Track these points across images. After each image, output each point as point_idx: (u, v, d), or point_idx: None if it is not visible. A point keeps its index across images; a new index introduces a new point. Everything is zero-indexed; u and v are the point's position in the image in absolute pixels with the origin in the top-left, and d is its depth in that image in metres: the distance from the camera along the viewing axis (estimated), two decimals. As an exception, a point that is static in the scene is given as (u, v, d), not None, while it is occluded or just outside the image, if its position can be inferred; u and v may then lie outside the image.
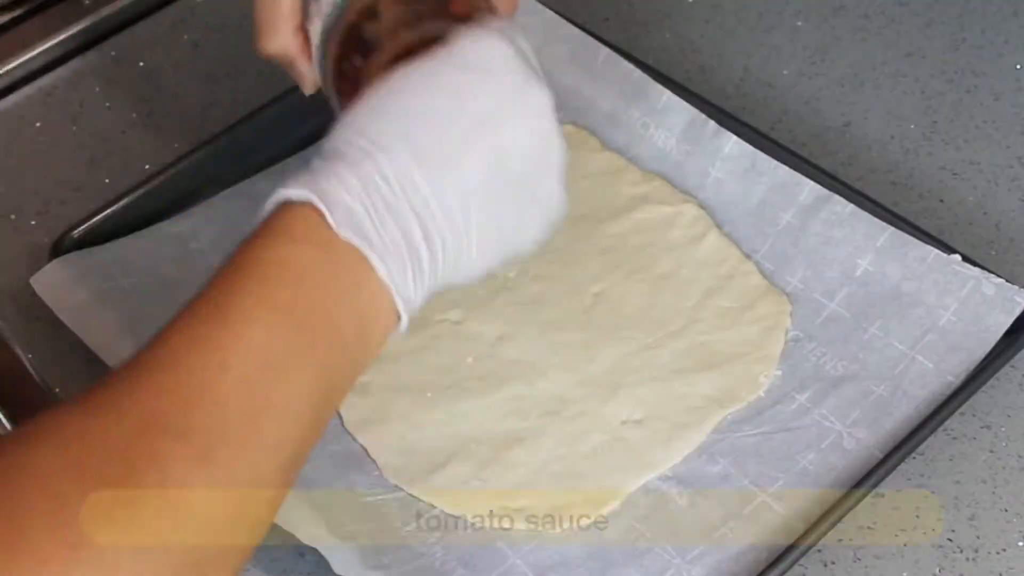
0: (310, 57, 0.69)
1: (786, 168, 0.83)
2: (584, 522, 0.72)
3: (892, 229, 0.80)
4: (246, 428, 0.51)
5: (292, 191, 0.55)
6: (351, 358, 0.55)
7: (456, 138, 0.56)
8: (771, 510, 0.71)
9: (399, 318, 0.56)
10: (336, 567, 0.67)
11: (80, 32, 0.97)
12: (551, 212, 0.60)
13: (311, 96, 0.91)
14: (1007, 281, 0.77)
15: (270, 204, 0.55)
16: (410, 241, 0.55)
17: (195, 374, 0.51)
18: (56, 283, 0.79)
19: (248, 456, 0.51)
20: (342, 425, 0.76)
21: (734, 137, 0.85)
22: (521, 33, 0.59)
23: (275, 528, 0.69)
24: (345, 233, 0.54)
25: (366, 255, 0.54)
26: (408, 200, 0.55)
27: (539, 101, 0.58)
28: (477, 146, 0.56)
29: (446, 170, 0.55)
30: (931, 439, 0.74)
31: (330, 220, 0.54)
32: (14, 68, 0.96)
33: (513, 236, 0.59)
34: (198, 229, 0.84)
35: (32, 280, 0.80)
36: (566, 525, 0.72)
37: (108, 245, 0.82)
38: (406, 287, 0.55)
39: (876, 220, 0.80)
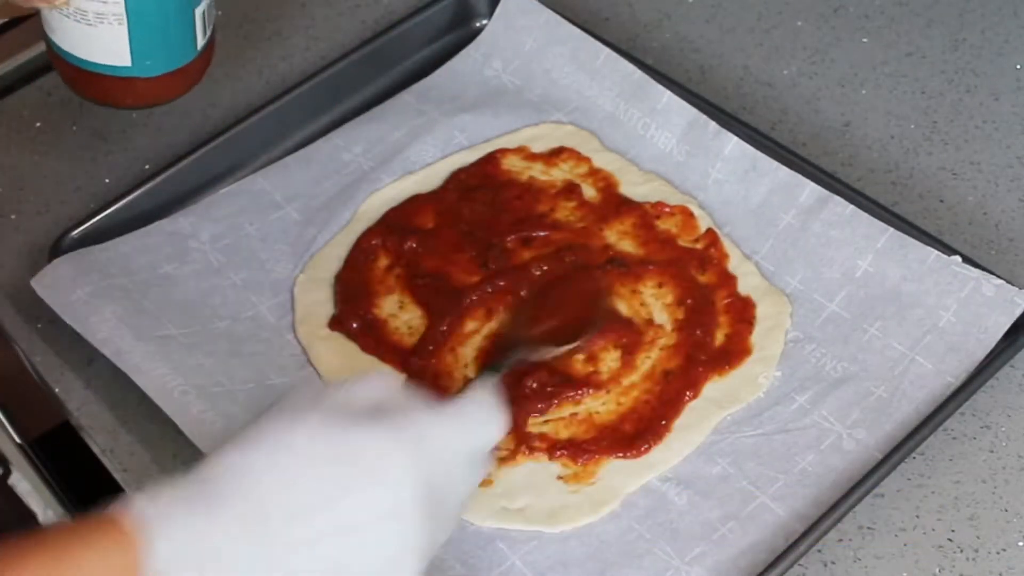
0: None
1: (786, 169, 0.83)
2: (584, 522, 0.72)
3: (892, 230, 0.80)
4: None
5: (138, 507, 0.54)
6: None
7: (311, 533, 0.55)
8: (770, 511, 0.71)
9: None
10: None
11: (80, 32, 0.97)
12: None
13: (310, 97, 0.91)
14: (1007, 282, 0.77)
15: (119, 504, 0.54)
16: None
17: None
18: (56, 282, 0.80)
19: None
20: (342, 425, 0.76)
21: (735, 138, 0.85)
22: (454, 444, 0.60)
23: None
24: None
25: None
26: (229, 563, 0.54)
27: (413, 522, 0.57)
28: (327, 546, 0.55)
29: (291, 554, 0.55)
30: (931, 439, 0.74)
31: (146, 557, 0.53)
32: (14, 68, 0.96)
33: None
34: (197, 227, 0.84)
35: (32, 280, 0.80)
36: (566, 525, 0.72)
37: (107, 244, 0.82)
38: None
39: (876, 221, 0.80)
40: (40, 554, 0.52)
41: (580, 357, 0.77)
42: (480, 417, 0.62)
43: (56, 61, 0.79)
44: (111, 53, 0.76)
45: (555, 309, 0.78)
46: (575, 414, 0.76)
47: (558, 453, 0.74)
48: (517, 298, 0.80)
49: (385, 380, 0.61)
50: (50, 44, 0.78)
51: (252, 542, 0.54)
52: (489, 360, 0.75)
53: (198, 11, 0.77)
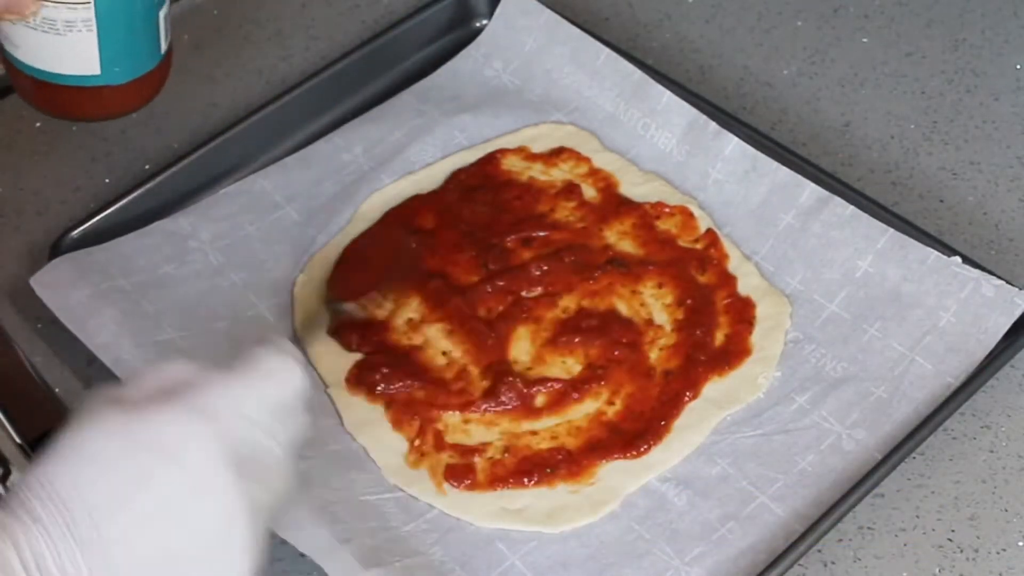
0: None
1: (786, 170, 0.83)
2: (583, 523, 0.72)
3: (892, 231, 0.80)
4: None
5: None
6: None
7: (128, 522, 0.56)
8: (770, 511, 0.71)
9: None
10: (331, 574, 0.67)
11: (80, 32, 0.97)
12: None
13: (310, 97, 0.91)
14: (1007, 282, 0.77)
15: None
16: None
17: None
18: (55, 283, 0.80)
19: None
20: (342, 425, 0.76)
21: (735, 139, 0.85)
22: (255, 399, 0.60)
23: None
24: None
25: None
26: (63, 572, 0.54)
27: (225, 488, 0.57)
28: (147, 532, 0.56)
29: (110, 549, 0.55)
30: (931, 439, 0.74)
31: None
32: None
33: None
34: (197, 227, 0.84)
35: (32, 280, 0.80)
36: (565, 526, 0.72)
37: (107, 244, 0.82)
38: None
39: (876, 222, 0.80)
40: None
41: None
42: (269, 370, 0.61)
43: (16, 77, 0.78)
44: (80, 62, 0.75)
45: (359, 266, 0.79)
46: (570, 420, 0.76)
47: (555, 470, 0.74)
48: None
49: (175, 365, 0.61)
50: (11, 61, 0.77)
51: (72, 545, 0.55)
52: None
53: (161, 14, 0.77)
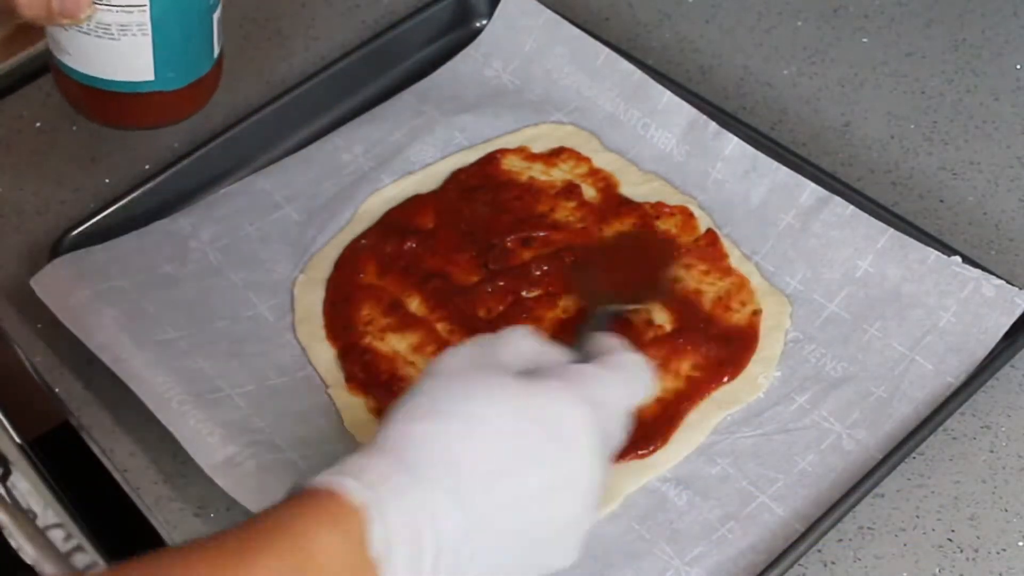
0: None
1: (786, 170, 0.83)
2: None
3: (892, 231, 0.80)
4: None
5: (349, 486, 0.55)
6: None
7: (510, 497, 0.57)
8: (770, 511, 0.71)
9: None
10: None
11: (80, 32, 0.97)
12: (561, 565, 0.61)
13: (310, 97, 0.91)
14: (1007, 282, 0.77)
15: (325, 482, 0.56)
16: (426, 571, 0.55)
17: None
18: (55, 283, 0.80)
19: None
20: (342, 425, 0.76)
21: (735, 138, 0.85)
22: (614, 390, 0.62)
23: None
24: (377, 550, 0.54)
25: (385, 574, 0.54)
26: (442, 537, 0.55)
27: (595, 479, 0.60)
28: (524, 510, 0.58)
29: (483, 522, 0.56)
30: (931, 439, 0.74)
31: (370, 532, 0.54)
32: (14, 68, 0.96)
33: (510, 573, 0.60)
34: (197, 227, 0.84)
35: (32, 280, 0.80)
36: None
37: (107, 244, 0.82)
38: None
39: (876, 222, 0.80)
40: (273, 540, 0.53)
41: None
42: (634, 376, 0.64)
43: (64, 83, 0.77)
44: (134, 67, 0.74)
45: (617, 268, 0.80)
46: None
47: None
48: (572, 270, 0.81)
49: (523, 334, 0.63)
50: (60, 67, 0.76)
51: (457, 512, 0.56)
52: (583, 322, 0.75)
53: (215, 16, 0.76)
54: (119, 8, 0.71)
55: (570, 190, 0.86)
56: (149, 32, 0.73)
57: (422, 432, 0.57)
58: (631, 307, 0.78)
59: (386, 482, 0.55)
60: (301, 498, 0.55)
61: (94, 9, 0.71)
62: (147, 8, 0.72)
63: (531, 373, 0.60)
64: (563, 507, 0.59)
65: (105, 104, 0.76)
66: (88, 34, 0.73)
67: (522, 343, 0.63)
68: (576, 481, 0.59)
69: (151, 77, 0.75)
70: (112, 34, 0.72)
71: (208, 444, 0.73)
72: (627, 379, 0.63)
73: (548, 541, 0.59)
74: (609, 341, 0.66)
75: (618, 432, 0.62)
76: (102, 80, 0.75)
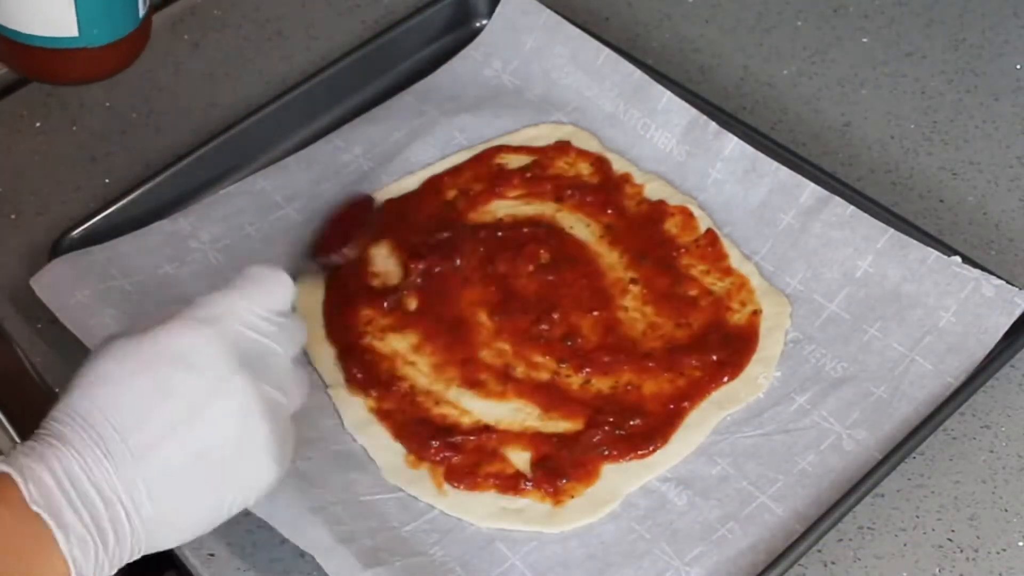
0: None
1: (787, 170, 0.83)
2: (583, 523, 0.72)
3: (892, 231, 0.80)
4: None
5: (6, 460, 0.59)
6: None
7: (155, 432, 0.61)
8: (770, 511, 0.71)
9: None
10: (331, 573, 0.67)
11: (80, 32, 0.97)
12: (261, 482, 0.64)
13: (310, 97, 0.91)
14: (1007, 282, 0.77)
15: None
16: (99, 524, 0.59)
17: None
18: (55, 283, 0.79)
19: None
20: (342, 425, 0.76)
21: (735, 139, 0.85)
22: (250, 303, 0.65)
23: (273, 529, 0.69)
24: (36, 508, 0.58)
25: (53, 532, 0.58)
26: (98, 488, 0.59)
27: (239, 390, 0.62)
28: (174, 438, 0.61)
29: (141, 461, 0.60)
30: (931, 439, 0.74)
31: (24, 493, 0.58)
32: (14, 68, 0.96)
33: (217, 510, 0.63)
34: (197, 227, 0.84)
35: (32, 280, 0.80)
36: (565, 526, 0.72)
37: (107, 244, 0.82)
38: (87, 564, 0.59)
39: (876, 222, 0.80)
40: None
41: None
42: (262, 282, 0.66)
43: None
44: (58, 24, 0.76)
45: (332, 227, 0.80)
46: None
47: (562, 482, 0.73)
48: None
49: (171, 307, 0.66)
50: None
51: (102, 458, 0.60)
52: None
53: None
54: None
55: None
56: None
57: (67, 404, 0.61)
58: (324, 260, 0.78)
59: (35, 451, 0.59)
60: None
61: None
62: None
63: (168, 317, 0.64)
64: (217, 424, 0.61)
65: (32, 59, 0.78)
66: None
67: (173, 307, 0.65)
68: (216, 396, 0.62)
69: (75, 33, 0.77)
70: None
71: None
72: (252, 287, 0.66)
73: (226, 459, 0.62)
74: (251, 266, 0.68)
75: (273, 335, 0.65)
76: (27, 36, 0.77)
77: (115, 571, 0.61)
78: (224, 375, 0.62)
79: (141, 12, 0.79)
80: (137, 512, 0.60)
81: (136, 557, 0.62)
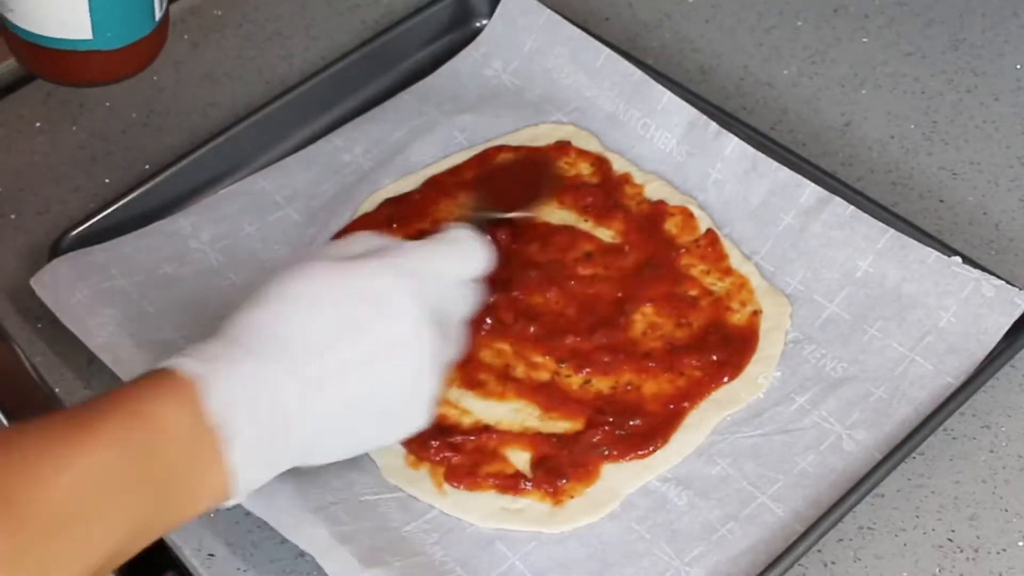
0: None
1: (787, 170, 0.83)
2: (584, 523, 0.72)
3: (892, 231, 0.80)
4: (59, 526, 0.55)
5: (186, 363, 0.61)
6: (173, 515, 0.61)
7: (339, 364, 0.63)
8: (770, 511, 0.71)
9: (231, 496, 0.62)
10: (331, 573, 0.67)
11: (80, 32, 0.97)
12: (410, 430, 0.68)
13: (310, 97, 0.91)
14: (1007, 282, 0.77)
15: (165, 363, 0.61)
16: (267, 443, 0.61)
17: (34, 465, 0.55)
18: (55, 283, 0.80)
19: (53, 551, 0.55)
20: (342, 425, 0.76)
21: (735, 139, 0.85)
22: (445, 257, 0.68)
23: (274, 529, 0.69)
24: (214, 416, 0.60)
25: (226, 439, 0.60)
26: (279, 404, 0.62)
27: (424, 343, 0.65)
28: (354, 374, 0.64)
29: (320, 388, 0.63)
30: (931, 439, 0.74)
31: (206, 400, 0.60)
32: (14, 68, 0.96)
33: (367, 442, 0.68)
34: (198, 227, 0.84)
35: (32, 280, 0.80)
36: (565, 526, 0.72)
37: (107, 244, 0.82)
38: (248, 472, 0.61)
39: (876, 222, 0.80)
40: (116, 410, 0.58)
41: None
42: (464, 247, 0.70)
43: (11, 40, 0.79)
44: (72, 26, 0.76)
45: (507, 183, 0.83)
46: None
47: (561, 483, 0.73)
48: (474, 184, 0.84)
49: (370, 234, 0.70)
50: (6, 24, 0.78)
51: (287, 378, 0.61)
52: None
53: None
54: None
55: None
56: None
57: (253, 317, 0.63)
58: (505, 214, 0.80)
59: (219, 359, 0.61)
60: (146, 377, 0.60)
61: None
62: None
63: (369, 256, 0.66)
64: (396, 369, 0.64)
65: (46, 60, 0.78)
66: None
67: (361, 238, 0.68)
68: (403, 344, 0.64)
69: (89, 36, 0.76)
70: None
71: None
72: (455, 250, 0.69)
73: (389, 401, 0.65)
74: (454, 227, 0.71)
75: (457, 299, 0.68)
76: (42, 37, 0.77)
77: (266, 481, 0.63)
78: (414, 327, 0.64)
79: (157, 15, 0.79)
80: (301, 436, 0.62)
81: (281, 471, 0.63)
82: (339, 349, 0.63)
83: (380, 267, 0.65)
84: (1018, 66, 0.94)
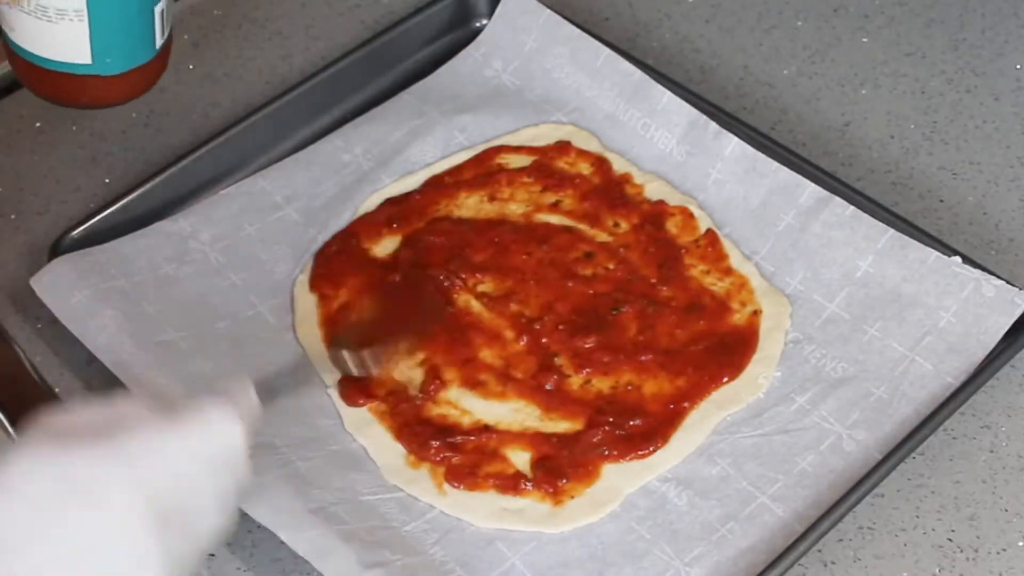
0: None
1: (787, 170, 0.83)
2: (584, 523, 0.72)
3: (892, 231, 0.80)
4: None
5: None
6: None
7: (37, 561, 0.55)
8: (770, 511, 0.71)
9: None
10: (331, 573, 0.67)
11: (80, 32, 0.97)
12: None
13: (310, 97, 0.91)
14: (1007, 282, 0.77)
15: None
16: None
17: None
18: (55, 283, 0.79)
19: None
20: (342, 425, 0.76)
21: (735, 139, 0.85)
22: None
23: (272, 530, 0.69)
24: None
25: None
26: None
27: (138, 537, 0.57)
28: (62, 572, 0.56)
29: None
30: (931, 439, 0.74)
31: None
32: (14, 68, 0.96)
33: None
34: (197, 228, 0.84)
35: (32, 280, 0.80)
36: (565, 526, 0.72)
37: (107, 245, 0.82)
38: None
39: (876, 222, 0.80)
40: None
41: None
42: (207, 422, 0.60)
43: (13, 59, 0.79)
44: (71, 51, 0.76)
45: (385, 310, 0.79)
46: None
47: (561, 483, 0.73)
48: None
49: (122, 400, 0.61)
50: (7, 42, 0.78)
51: None
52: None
53: (157, 9, 0.77)
54: None
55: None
56: (86, 18, 0.75)
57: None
58: (360, 350, 0.75)
59: None
60: None
61: None
62: None
63: (93, 436, 0.58)
64: (109, 567, 0.56)
65: (46, 81, 0.78)
66: (29, 15, 0.75)
67: (101, 405, 0.60)
68: (113, 540, 0.56)
69: (88, 61, 0.77)
70: (50, 17, 0.74)
71: None
72: (190, 428, 0.60)
73: None
74: (204, 399, 0.62)
75: (200, 479, 0.59)
76: (41, 59, 0.77)
77: None
78: (128, 522, 0.57)
79: (158, 43, 0.79)
80: None
81: None
82: (32, 549, 0.56)
83: (97, 453, 0.57)
84: (1018, 66, 0.94)
